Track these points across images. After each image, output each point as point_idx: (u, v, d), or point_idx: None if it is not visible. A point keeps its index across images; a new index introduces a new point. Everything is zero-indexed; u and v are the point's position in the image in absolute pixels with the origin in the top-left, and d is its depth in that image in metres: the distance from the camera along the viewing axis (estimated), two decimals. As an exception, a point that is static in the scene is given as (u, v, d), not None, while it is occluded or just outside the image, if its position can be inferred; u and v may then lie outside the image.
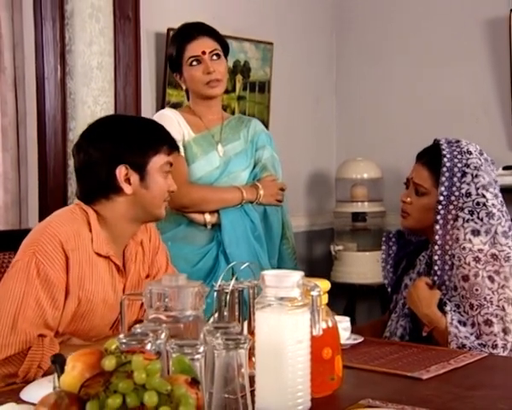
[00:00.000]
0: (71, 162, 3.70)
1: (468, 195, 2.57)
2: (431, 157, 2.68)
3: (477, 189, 2.58)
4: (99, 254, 2.27)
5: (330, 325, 1.93)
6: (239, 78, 4.46)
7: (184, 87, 3.18)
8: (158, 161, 2.31)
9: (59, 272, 2.17)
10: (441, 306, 2.56)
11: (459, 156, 2.61)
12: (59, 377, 1.33)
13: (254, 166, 3.20)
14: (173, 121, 3.05)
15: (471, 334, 2.49)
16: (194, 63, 3.07)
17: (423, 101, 4.88)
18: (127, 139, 2.31)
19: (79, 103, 3.67)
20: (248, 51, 4.48)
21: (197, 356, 1.50)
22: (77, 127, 3.68)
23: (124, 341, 1.46)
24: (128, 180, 2.28)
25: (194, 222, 3.06)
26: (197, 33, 3.09)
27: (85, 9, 3.63)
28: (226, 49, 3.19)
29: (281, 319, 1.72)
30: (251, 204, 3.10)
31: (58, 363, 1.37)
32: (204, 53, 3.06)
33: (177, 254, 2.88)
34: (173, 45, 3.15)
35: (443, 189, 2.59)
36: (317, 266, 4.99)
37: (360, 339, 2.43)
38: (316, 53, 5.08)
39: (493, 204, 2.58)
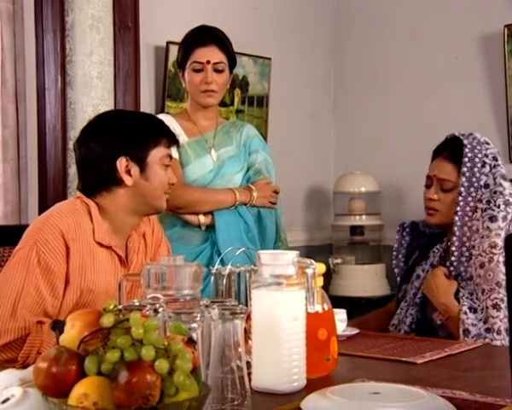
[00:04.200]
0: (71, 171, 3.75)
1: (487, 186, 2.63)
2: (452, 150, 2.72)
3: (495, 178, 2.63)
4: (101, 245, 2.31)
5: (326, 308, 1.97)
6: (237, 92, 4.51)
7: (184, 85, 3.23)
8: (158, 153, 2.37)
9: (59, 262, 2.21)
10: (458, 296, 2.59)
11: (478, 147, 2.67)
12: (58, 340, 1.36)
13: (248, 170, 3.24)
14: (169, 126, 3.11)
15: (479, 320, 2.51)
16: (197, 69, 3.12)
17: (420, 116, 4.91)
18: (127, 132, 2.37)
19: (79, 113, 3.71)
20: (247, 66, 4.53)
21: (194, 325, 1.53)
22: (76, 136, 3.70)
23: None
24: (129, 172, 2.33)
25: (188, 223, 3.11)
26: (208, 41, 3.15)
27: (86, 21, 3.68)
28: (233, 63, 3.23)
29: (276, 297, 1.76)
30: (245, 206, 3.14)
31: (58, 328, 1.40)
32: (208, 62, 3.11)
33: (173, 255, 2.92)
34: (184, 43, 3.21)
35: (464, 179, 2.64)
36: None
37: (356, 331, 2.46)
38: (314, 68, 5.12)
39: (510, 193, 2.63)
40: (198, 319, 1.54)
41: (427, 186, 2.79)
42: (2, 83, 3.69)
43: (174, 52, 3.91)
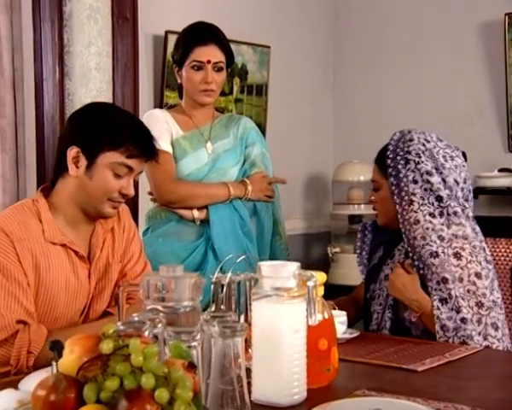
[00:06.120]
0: (69, 163, 3.73)
1: (415, 182, 2.65)
2: (379, 153, 2.78)
3: (421, 175, 2.65)
4: (54, 243, 2.29)
5: (326, 316, 1.96)
6: (236, 80, 4.49)
7: (179, 81, 3.20)
8: (110, 158, 2.28)
9: (13, 260, 2.20)
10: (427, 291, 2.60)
11: (401, 145, 2.69)
12: (57, 362, 1.35)
13: (244, 164, 3.22)
14: (162, 120, 3.09)
15: (451, 309, 2.51)
16: (196, 68, 3.08)
17: (419, 104, 4.90)
18: (89, 125, 2.32)
19: (78, 104, 3.67)
20: (246, 54, 4.51)
21: (194, 343, 1.52)
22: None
23: (121, 328, 1.47)
24: (77, 163, 2.29)
25: (184, 218, 3.09)
26: (208, 40, 3.10)
27: (83, 11, 3.64)
28: (231, 61, 3.21)
29: (277, 309, 1.74)
30: (240, 200, 3.12)
31: (56, 349, 1.39)
32: (209, 62, 3.07)
33: (168, 250, 2.92)
34: (182, 41, 3.16)
35: (392, 179, 2.68)
36: (314, 268, 4.96)
37: (356, 333, 2.46)
38: (313, 56, 5.10)
39: (438, 188, 2.64)
40: (198, 337, 1.52)
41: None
42: (0, 72, 3.66)
43: (173, 42, 3.88)
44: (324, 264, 4.93)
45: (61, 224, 2.33)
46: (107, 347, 1.28)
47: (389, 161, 2.68)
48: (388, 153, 2.69)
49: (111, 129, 2.30)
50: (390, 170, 2.67)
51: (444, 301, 2.53)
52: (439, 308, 2.52)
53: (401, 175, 2.65)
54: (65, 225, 2.34)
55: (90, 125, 2.32)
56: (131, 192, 2.35)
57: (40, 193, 2.36)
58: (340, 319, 2.41)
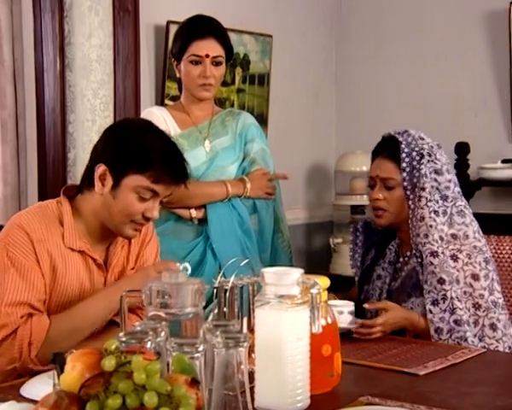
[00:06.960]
0: (70, 155, 3.72)
1: (426, 176, 2.65)
2: (390, 149, 2.71)
3: (430, 173, 2.65)
4: (72, 249, 2.29)
5: (330, 321, 1.94)
6: (238, 70, 4.45)
7: (178, 75, 3.17)
8: (135, 181, 2.25)
9: (32, 260, 2.20)
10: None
11: (414, 142, 2.68)
12: (59, 376, 1.33)
13: (243, 161, 3.19)
14: (159, 119, 3.04)
15: (444, 310, 2.51)
16: (194, 62, 3.05)
17: (422, 94, 4.87)
18: (119, 144, 2.30)
19: (79, 96, 3.66)
20: (248, 44, 4.48)
21: (197, 355, 1.50)
22: (76, 120, 3.68)
23: (123, 339, 1.45)
24: (103, 181, 2.27)
25: (182, 217, 3.06)
26: (207, 33, 3.06)
27: (84, 2, 3.62)
28: (230, 55, 3.17)
29: (280, 317, 1.73)
30: (239, 198, 3.09)
31: (58, 362, 1.37)
32: (207, 56, 3.04)
33: (166, 249, 2.89)
34: (180, 35, 3.13)
35: (405, 174, 2.66)
36: (316, 258, 4.99)
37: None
38: (315, 45, 5.06)
39: (446, 187, 2.66)
40: (201, 349, 1.51)
41: (371, 187, 2.78)
42: (0, 63, 3.64)
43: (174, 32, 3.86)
44: (326, 254, 4.93)
45: (81, 229, 2.32)
46: (109, 364, 1.27)
47: (404, 155, 2.65)
48: (403, 147, 2.66)
49: (140, 152, 2.26)
50: (404, 165, 2.65)
51: (436, 302, 2.52)
52: (431, 311, 2.52)
53: (414, 171, 2.64)
54: (85, 231, 2.33)
55: (120, 144, 2.29)
56: (155, 215, 2.33)
57: (64, 196, 2.35)
58: (349, 309, 2.45)
